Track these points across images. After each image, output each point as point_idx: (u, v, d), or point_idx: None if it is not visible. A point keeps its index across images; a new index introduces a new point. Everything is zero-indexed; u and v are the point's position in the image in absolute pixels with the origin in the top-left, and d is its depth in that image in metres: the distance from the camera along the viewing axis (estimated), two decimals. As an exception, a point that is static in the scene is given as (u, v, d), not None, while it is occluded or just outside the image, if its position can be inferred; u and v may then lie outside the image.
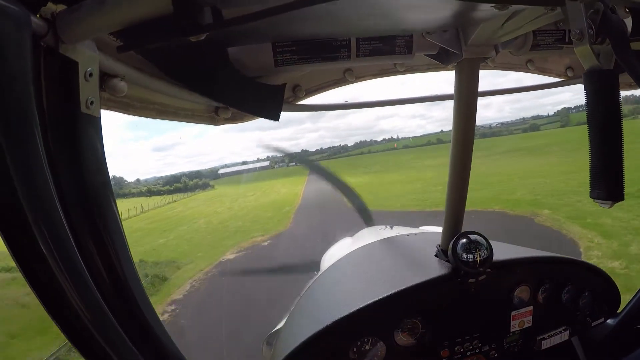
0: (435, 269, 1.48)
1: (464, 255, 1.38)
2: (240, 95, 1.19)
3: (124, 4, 0.63)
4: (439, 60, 1.26)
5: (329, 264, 2.15)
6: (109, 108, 0.90)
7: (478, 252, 1.38)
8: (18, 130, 0.55)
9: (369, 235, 2.67)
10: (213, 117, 1.25)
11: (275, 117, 1.27)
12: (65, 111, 0.70)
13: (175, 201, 53.23)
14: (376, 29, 1.10)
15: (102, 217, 0.77)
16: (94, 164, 0.76)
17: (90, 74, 0.72)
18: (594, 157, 0.93)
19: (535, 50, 1.33)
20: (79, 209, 0.73)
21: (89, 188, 0.74)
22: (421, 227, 2.91)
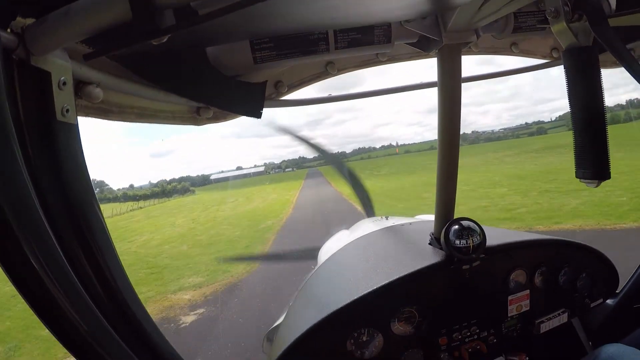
0: (429, 257, 1.48)
1: (457, 242, 1.38)
2: (221, 94, 1.19)
3: (86, 14, 0.64)
4: (420, 48, 1.25)
5: (326, 257, 2.15)
6: (87, 115, 0.90)
7: (471, 238, 1.37)
8: None
9: (365, 227, 2.67)
10: (195, 118, 1.25)
11: (257, 115, 1.26)
12: (41, 120, 0.70)
13: (141, 208, 48.97)
14: (353, 20, 1.09)
15: (86, 222, 0.77)
16: (74, 170, 0.77)
17: (64, 83, 0.73)
18: (578, 137, 0.93)
19: (517, 33, 1.32)
20: (63, 215, 0.73)
21: (70, 194, 0.75)
22: (417, 216, 2.91)
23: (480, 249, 1.39)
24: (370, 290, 1.36)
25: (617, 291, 1.86)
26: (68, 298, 0.63)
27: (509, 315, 1.57)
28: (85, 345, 0.67)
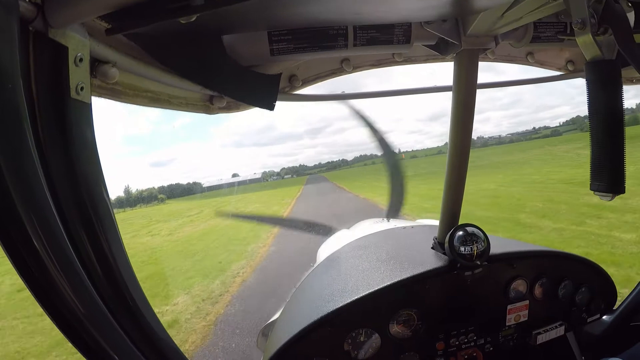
0: (432, 261, 1.47)
1: (461, 248, 1.37)
2: (235, 84, 1.18)
3: None
4: (438, 50, 1.24)
5: (325, 255, 2.14)
6: (100, 95, 0.88)
7: (475, 245, 1.38)
8: (5, 116, 0.54)
9: (365, 228, 2.66)
10: (207, 106, 1.24)
11: (270, 107, 1.26)
12: (54, 97, 0.69)
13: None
14: (374, 16, 1.08)
15: (93, 206, 0.75)
16: (85, 151, 0.75)
17: (81, 59, 0.71)
18: (595, 149, 0.93)
19: (535, 43, 1.32)
20: (70, 196, 0.72)
21: (79, 174, 0.73)
22: (418, 220, 2.90)
23: (484, 256, 1.39)
24: (371, 291, 1.36)
25: (614, 308, 1.86)
26: (69, 284, 0.62)
27: (507, 324, 1.57)
28: (89, 337, 0.67)
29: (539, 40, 1.31)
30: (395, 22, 1.12)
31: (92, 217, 0.75)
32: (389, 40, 1.15)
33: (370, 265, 1.62)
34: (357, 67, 1.38)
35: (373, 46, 1.15)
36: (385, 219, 2.86)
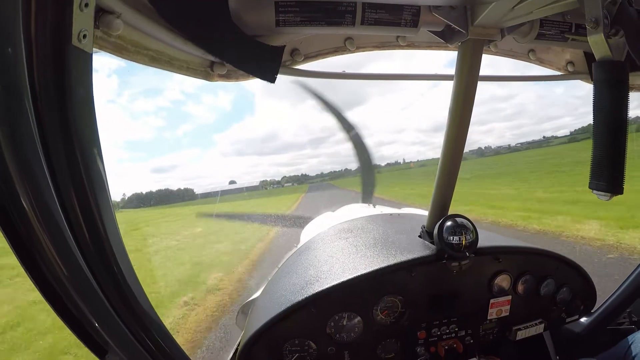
0: (419, 249, 1.47)
1: (450, 238, 1.38)
2: (237, 52, 1.15)
3: None
4: (443, 38, 1.23)
5: (309, 237, 2.13)
6: (100, 48, 0.84)
7: (464, 236, 1.38)
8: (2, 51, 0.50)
9: (351, 212, 2.65)
10: (207, 72, 1.21)
11: (272, 79, 1.23)
12: (55, 41, 0.64)
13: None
14: None
15: (86, 164, 0.71)
16: (82, 104, 0.71)
17: (86, 4, 0.66)
18: (597, 148, 0.94)
19: (539, 40, 1.32)
20: (61, 152, 0.68)
21: (73, 128, 0.69)
22: (403, 209, 2.90)
23: (472, 247, 1.39)
24: (357, 275, 1.35)
25: (592, 310, 1.89)
26: (56, 247, 0.61)
27: (489, 318, 1.59)
28: (87, 325, 0.67)
29: (544, 37, 1.31)
30: (405, 3, 1.10)
31: (82, 173, 0.71)
32: (397, 22, 1.13)
33: (356, 249, 1.62)
34: (360, 47, 1.36)
35: (380, 26, 1.14)
36: (371, 205, 2.85)
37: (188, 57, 1.13)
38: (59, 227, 0.61)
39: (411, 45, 1.40)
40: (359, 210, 2.66)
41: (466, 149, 1.44)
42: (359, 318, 1.40)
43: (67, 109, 0.67)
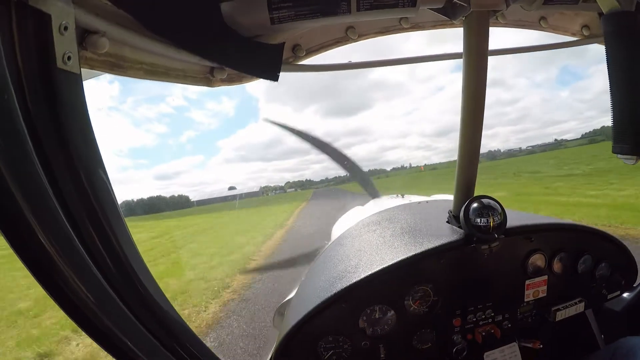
0: (447, 235, 1.42)
1: (477, 220, 1.31)
2: (236, 54, 1.13)
3: None
4: (445, 14, 1.18)
5: (339, 232, 2.10)
6: (92, 67, 0.85)
7: (491, 217, 1.31)
8: None
9: (379, 204, 2.62)
10: (208, 79, 1.20)
11: (274, 77, 1.21)
12: (41, 68, 0.65)
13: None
14: None
15: (90, 182, 0.72)
16: (78, 123, 0.71)
17: (65, 28, 0.68)
18: (617, 109, 0.88)
19: (548, 5, 1.25)
20: (65, 173, 0.68)
21: (73, 147, 0.69)
22: (433, 195, 2.83)
23: (501, 228, 1.32)
24: (385, 266, 1.32)
25: (634, 285, 1.79)
26: (75, 271, 0.60)
27: (525, 300, 1.52)
28: (104, 328, 0.66)
29: (552, 2, 1.24)
30: None
31: (89, 192, 0.71)
32: (393, 3, 1.09)
33: (384, 240, 1.58)
34: (362, 35, 1.32)
35: (377, 10, 1.10)
36: (399, 195, 2.80)
37: (185, 66, 1.12)
38: (70, 244, 0.61)
39: (415, 27, 1.35)
40: (387, 202, 2.62)
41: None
42: (391, 310, 1.37)
43: (64, 129, 0.68)
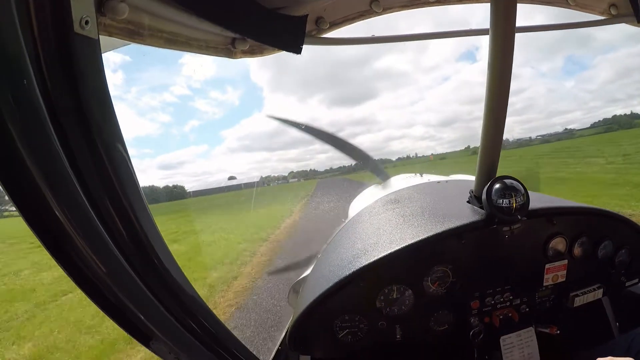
0: (468, 215, 1.39)
1: (499, 201, 1.28)
2: (258, 26, 1.10)
3: None
4: None
5: (356, 211, 2.08)
6: (111, 34, 0.82)
7: (514, 198, 1.28)
8: (5, 54, 0.48)
9: (397, 183, 2.60)
10: (229, 50, 1.17)
11: (297, 50, 1.18)
12: (57, 32, 0.62)
13: None
14: None
15: (108, 153, 0.69)
16: (95, 92, 0.68)
17: None
18: None
19: None
20: (83, 147, 0.65)
21: (88, 109, 0.67)
22: (451, 175, 2.80)
23: (523, 210, 1.29)
24: (405, 245, 1.30)
25: None
26: (86, 238, 0.59)
27: (544, 284, 1.50)
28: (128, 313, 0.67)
29: None
30: None
31: (105, 160, 0.69)
32: None
33: (403, 219, 1.55)
34: (387, 9, 1.28)
35: None
36: (417, 174, 2.77)
37: (207, 36, 1.09)
38: (90, 223, 0.60)
39: (440, 1, 1.31)
40: (405, 180, 2.60)
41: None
42: (409, 290, 1.35)
43: (80, 99, 0.65)
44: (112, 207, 0.70)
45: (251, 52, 1.20)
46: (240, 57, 1.20)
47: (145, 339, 0.74)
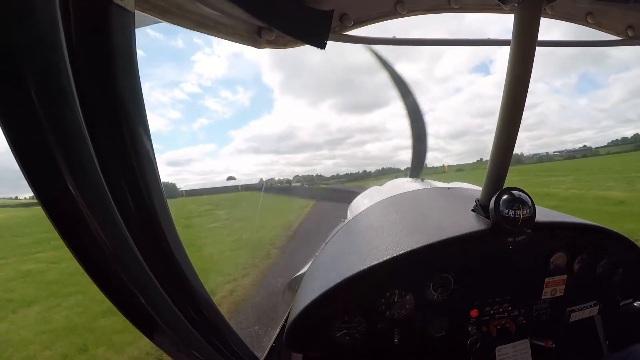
0: (473, 224, 1.40)
1: (506, 212, 1.29)
2: (285, 16, 1.10)
3: None
4: None
5: (357, 211, 2.07)
6: (144, 10, 0.82)
7: (521, 210, 1.29)
8: (37, 15, 0.46)
9: (399, 186, 2.59)
10: (255, 39, 1.17)
11: (322, 45, 1.18)
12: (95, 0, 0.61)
13: None
14: None
15: (129, 128, 0.69)
16: (125, 65, 0.68)
17: None
18: None
19: (599, 1, 1.22)
20: (106, 119, 0.65)
21: (117, 86, 0.66)
22: (452, 183, 2.79)
23: (530, 222, 1.30)
24: (409, 249, 1.30)
25: None
26: (101, 223, 0.57)
27: (543, 297, 1.51)
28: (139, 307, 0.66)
29: None
30: None
31: (126, 138, 0.69)
32: None
33: (407, 223, 1.56)
34: (411, 11, 1.29)
35: None
36: (419, 179, 2.77)
37: (234, 23, 1.10)
38: (109, 210, 0.59)
39: (464, 8, 1.32)
40: (408, 184, 2.59)
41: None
42: (410, 295, 1.35)
43: (111, 68, 0.65)
44: (132, 198, 0.70)
45: (275, 43, 1.20)
46: (265, 47, 1.20)
47: (149, 330, 0.73)
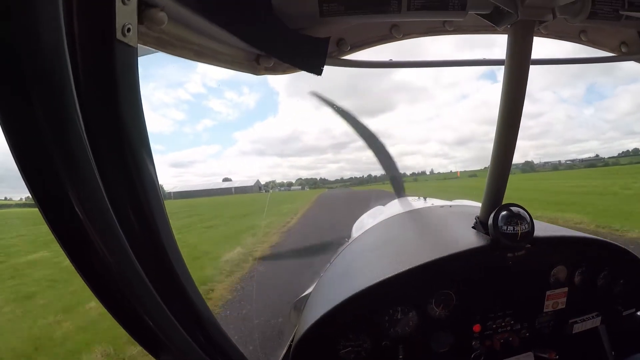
0: (473, 240, 1.42)
1: (505, 228, 1.32)
2: (282, 44, 1.13)
3: None
4: (491, 20, 1.18)
5: (360, 231, 2.10)
6: (145, 43, 0.84)
7: (520, 226, 1.32)
8: (44, 54, 0.48)
9: (401, 205, 2.62)
10: (254, 66, 1.20)
11: (318, 71, 1.22)
12: (99, 37, 0.63)
13: None
14: None
15: (135, 159, 0.70)
16: (129, 98, 0.69)
17: None
18: None
19: (591, 20, 1.25)
20: (111, 149, 0.67)
21: (121, 120, 0.68)
22: (455, 200, 2.83)
23: (528, 237, 1.34)
24: (410, 267, 1.32)
25: None
26: (105, 244, 0.58)
27: (544, 311, 1.52)
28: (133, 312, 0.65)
29: (596, 16, 1.23)
30: None
31: (132, 169, 0.70)
32: (444, 6, 1.09)
33: (409, 241, 1.58)
34: (406, 35, 1.32)
35: (427, 11, 1.10)
36: (421, 198, 2.81)
37: (233, 51, 1.13)
38: (110, 226, 0.60)
39: (458, 30, 1.36)
40: (410, 203, 2.63)
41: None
42: (413, 312, 1.37)
43: (115, 104, 0.66)
44: (133, 213, 0.71)
45: (274, 70, 1.23)
46: (263, 74, 1.24)
47: (155, 350, 0.73)
